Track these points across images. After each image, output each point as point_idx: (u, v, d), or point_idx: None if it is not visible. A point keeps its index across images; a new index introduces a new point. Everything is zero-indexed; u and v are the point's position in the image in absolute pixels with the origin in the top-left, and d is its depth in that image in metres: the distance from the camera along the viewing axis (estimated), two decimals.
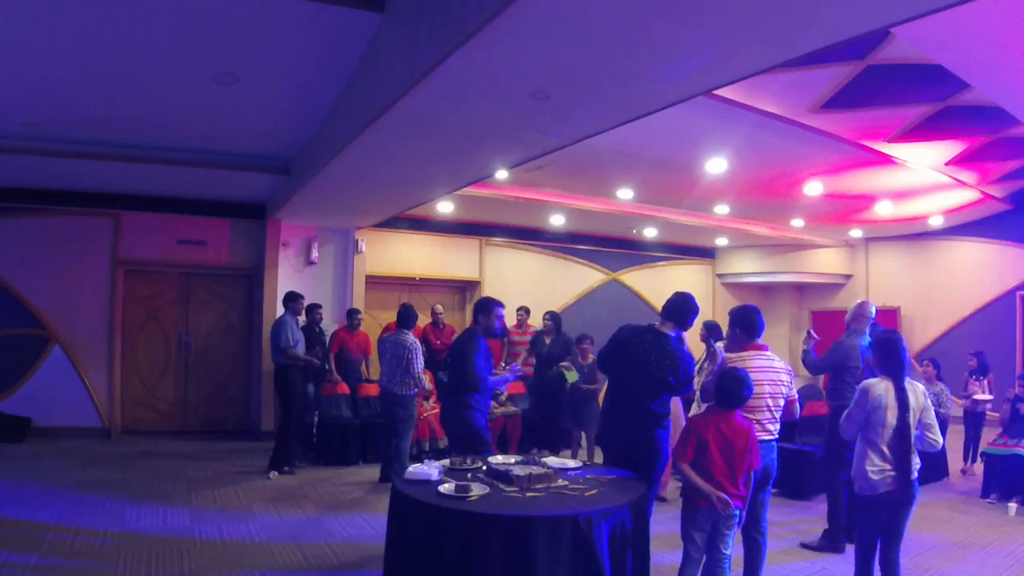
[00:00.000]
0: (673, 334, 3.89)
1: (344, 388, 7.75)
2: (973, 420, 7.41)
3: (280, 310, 8.71)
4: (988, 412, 7.60)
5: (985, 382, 7.51)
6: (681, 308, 3.92)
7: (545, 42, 3.20)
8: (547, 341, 8.19)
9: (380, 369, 6.47)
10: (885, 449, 3.41)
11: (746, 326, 3.84)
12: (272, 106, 5.63)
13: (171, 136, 6.45)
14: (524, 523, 2.77)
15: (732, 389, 3.33)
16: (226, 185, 7.78)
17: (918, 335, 11.51)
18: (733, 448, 3.26)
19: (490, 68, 3.53)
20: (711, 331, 6.50)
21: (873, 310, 5.23)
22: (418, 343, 6.38)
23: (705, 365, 6.05)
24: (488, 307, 4.79)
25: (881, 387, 3.47)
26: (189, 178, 7.34)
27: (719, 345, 6.29)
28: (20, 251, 7.92)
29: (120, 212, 8.28)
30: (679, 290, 4.05)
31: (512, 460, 3.71)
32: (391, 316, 7.36)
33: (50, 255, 8.04)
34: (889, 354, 3.53)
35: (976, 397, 7.38)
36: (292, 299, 7.39)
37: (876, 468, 3.41)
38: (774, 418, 3.71)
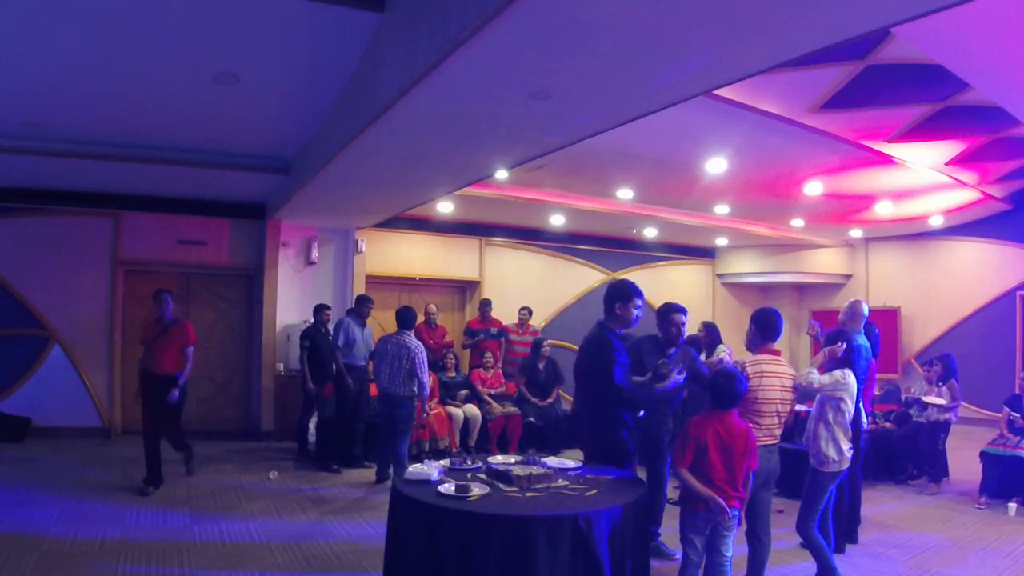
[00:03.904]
0: (619, 331, 4.03)
1: None
2: (933, 432, 6.71)
3: (281, 310, 8.81)
4: (975, 412, 7.28)
5: (945, 388, 6.81)
6: (606, 296, 4.07)
7: (545, 42, 3.19)
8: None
9: (379, 369, 6.40)
10: (848, 431, 4.01)
11: (763, 327, 3.84)
12: (272, 106, 5.62)
13: (171, 136, 6.45)
14: (524, 523, 2.77)
15: (724, 387, 3.32)
16: (226, 185, 7.78)
17: (918, 335, 11.50)
18: (732, 451, 3.25)
19: (490, 68, 3.53)
20: (710, 331, 6.50)
21: (866, 308, 5.24)
22: (421, 345, 6.35)
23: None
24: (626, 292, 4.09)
25: (851, 377, 4.03)
26: (189, 178, 7.34)
27: (721, 349, 6.29)
28: (20, 251, 7.92)
29: (120, 212, 8.28)
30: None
31: (512, 460, 3.71)
32: (391, 316, 7.35)
33: (50, 255, 8.04)
34: (852, 351, 4.17)
35: (926, 400, 6.82)
36: (358, 302, 7.52)
37: (846, 447, 3.99)
38: (780, 423, 3.75)
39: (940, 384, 6.90)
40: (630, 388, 3.87)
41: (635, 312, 4.06)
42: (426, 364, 6.26)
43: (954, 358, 7.05)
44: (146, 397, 6.01)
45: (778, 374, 3.71)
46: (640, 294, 4.14)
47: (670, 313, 4.53)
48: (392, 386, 6.22)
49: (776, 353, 3.83)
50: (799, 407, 5.95)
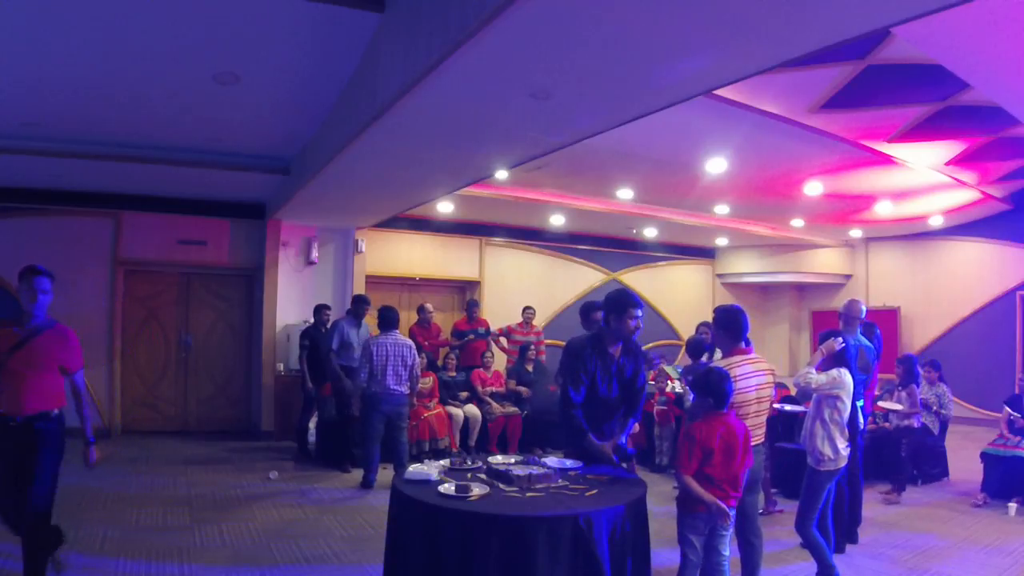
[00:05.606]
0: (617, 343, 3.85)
1: None
2: (901, 438, 6.44)
3: (281, 310, 8.81)
4: (975, 412, 7.21)
5: (905, 393, 6.49)
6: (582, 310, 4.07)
7: (545, 42, 3.20)
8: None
9: (382, 372, 6.26)
10: (845, 430, 4.03)
11: (730, 328, 3.73)
12: (272, 106, 5.63)
13: (171, 136, 6.45)
14: (524, 523, 2.77)
15: (718, 385, 3.30)
16: (226, 185, 7.78)
17: (918, 335, 11.51)
18: (733, 451, 3.26)
19: (490, 68, 3.53)
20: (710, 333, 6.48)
21: (863, 308, 5.23)
22: (411, 342, 6.55)
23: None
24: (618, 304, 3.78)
25: (847, 376, 4.07)
26: (189, 178, 7.34)
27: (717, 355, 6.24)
28: (20, 251, 7.89)
29: (120, 212, 8.29)
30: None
31: (512, 460, 3.71)
32: None
33: (50, 255, 7.97)
34: (847, 349, 4.20)
35: (883, 405, 6.55)
36: (353, 302, 7.46)
37: (843, 445, 4.01)
38: (760, 423, 3.71)
39: (900, 389, 6.64)
40: (570, 394, 3.74)
41: (613, 323, 3.76)
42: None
43: (917, 360, 6.72)
44: None
45: (753, 373, 3.64)
46: (609, 307, 3.79)
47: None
48: (399, 386, 6.32)
49: (748, 351, 3.73)
50: (797, 408, 5.95)
